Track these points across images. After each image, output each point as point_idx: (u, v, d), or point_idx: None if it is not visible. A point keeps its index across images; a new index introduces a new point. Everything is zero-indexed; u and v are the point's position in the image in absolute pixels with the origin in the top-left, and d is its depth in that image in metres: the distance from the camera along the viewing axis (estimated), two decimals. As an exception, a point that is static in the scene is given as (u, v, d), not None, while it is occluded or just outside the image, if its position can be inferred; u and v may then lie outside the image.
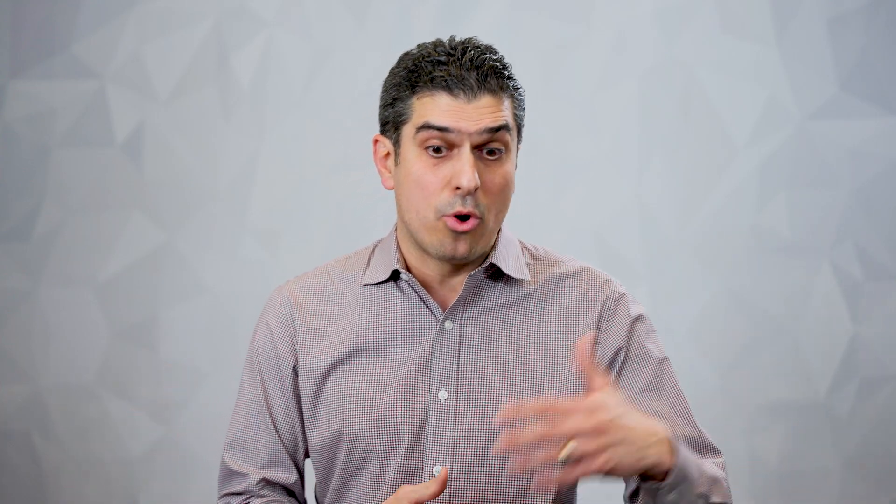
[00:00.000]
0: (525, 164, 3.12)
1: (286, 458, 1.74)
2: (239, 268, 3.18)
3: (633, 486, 1.67)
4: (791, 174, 3.12)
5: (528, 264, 1.73)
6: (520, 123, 1.67)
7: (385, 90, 1.67)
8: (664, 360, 1.72)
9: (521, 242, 1.77)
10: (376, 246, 1.77)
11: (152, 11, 3.18)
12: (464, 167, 1.59)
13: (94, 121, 3.18)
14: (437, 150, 1.61)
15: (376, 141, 1.70)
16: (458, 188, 1.60)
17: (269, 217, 3.18)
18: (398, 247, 1.71)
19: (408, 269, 1.70)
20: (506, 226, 1.74)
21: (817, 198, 3.11)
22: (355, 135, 3.11)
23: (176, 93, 3.18)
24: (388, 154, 1.68)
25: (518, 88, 1.66)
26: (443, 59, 1.62)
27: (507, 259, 1.70)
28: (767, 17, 3.11)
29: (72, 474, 3.19)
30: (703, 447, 1.68)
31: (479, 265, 1.69)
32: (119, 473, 3.19)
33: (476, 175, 1.59)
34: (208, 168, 3.18)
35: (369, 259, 1.75)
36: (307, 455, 1.76)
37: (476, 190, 1.60)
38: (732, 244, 3.12)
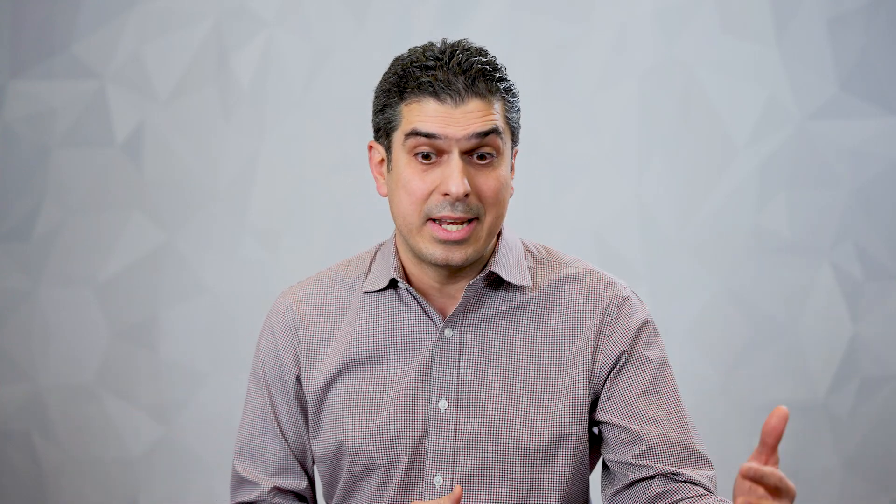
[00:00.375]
0: (525, 164, 3.13)
1: (296, 464, 1.74)
2: (239, 268, 3.18)
3: (621, 483, 1.67)
4: (791, 174, 3.12)
5: (530, 268, 1.71)
6: (513, 126, 1.65)
7: (376, 96, 1.66)
8: (664, 365, 1.69)
9: (523, 244, 1.74)
10: (378, 250, 1.75)
11: (152, 11, 3.18)
12: (452, 173, 1.58)
13: (94, 121, 3.18)
14: (426, 156, 1.60)
15: (371, 147, 1.69)
16: (446, 194, 1.58)
17: (269, 217, 3.18)
18: (397, 254, 1.70)
19: (406, 276, 1.69)
20: (507, 227, 1.72)
21: (817, 198, 3.11)
22: (355, 135, 3.11)
23: (176, 93, 3.18)
24: (382, 160, 1.67)
25: (510, 90, 1.64)
26: (430, 63, 1.60)
27: (508, 265, 1.68)
28: (767, 17, 3.11)
29: (72, 474, 3.19)
30: (695, 459, 1.65)
31: (479, 273, 1.67)
32: (119, 473, 3.19)
33: (465, 181, 1.58)
34: (208, 168, 3.18)
35: (371, 264, 1.74)
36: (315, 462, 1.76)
37: (467, 196, 1.58)
38: (732, 244, 3.12)
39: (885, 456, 3.12)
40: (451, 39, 1.65)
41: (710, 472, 1.65)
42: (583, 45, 3.14)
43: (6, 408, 3.20)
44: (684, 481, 1.63)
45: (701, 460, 1.65)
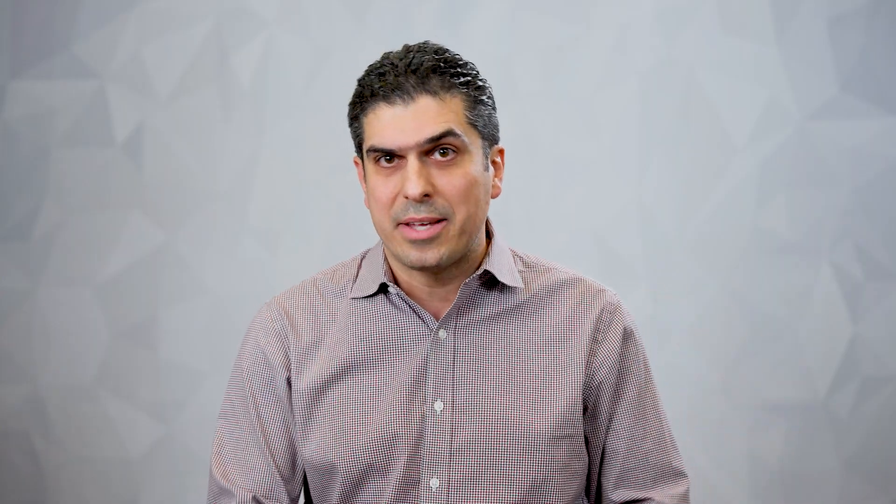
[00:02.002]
0: (525, 164, 3.13)
1: (278, 481, 1.69)
2: (239, 268, 3.18)
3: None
4: (791, 174, 3.11)
5: (520, 272, 1.71)
6: (477, 124, 1.62)
7: (348, 111, 1.66)
8: (649, 381, 1.73)
9: (511, 250, 1.74)
10: (363, 257, 1.74)
11: (152, 11, 3.18)
12: (409, 176, 1.58)
13: (94, 121, 3.18)
14: (388, 159, 1.60)
15: (356, 163, 1.69)
16: (407, 197, 1.58)
17: (269, 217, 3.18)
18: (385, 259, 1.69)
19: (395, 281, 1.68)
20: (499, 233, 1.72)
21: (817, 198, 3.11)
22: (355, 135, 3.11)
23: (176, 93, 3.18)
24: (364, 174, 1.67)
25: (472, 84, 1.62)
26: (384, 69, 1.60)
27: (501, 267, 1.68)
28: (767, 17, 3.11)
29: (72, 474, 3.19)
30: (670, 475, 1.73)
31: (473, 273, 1.67)
32: (119, 473, 3.19)
33: (422, 182, 1.57)
34: (208, 168, 3.18)
35: (357, 271, 1.72)
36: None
37: (428, 196, 1.58)
38: (732, 244, 3.12)
39: (885, 456, 3.12)
40: (416, 42, 1.64)
41: (682, 489, 1.73)
42: (583, 45, 3.14)
43: (6, 408, 3.20)
44: None
45: (675, 475, 1.73)
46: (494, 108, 1.65)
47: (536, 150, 3.13)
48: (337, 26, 3.17)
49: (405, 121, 1.58)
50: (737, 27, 3.12)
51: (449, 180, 1.59)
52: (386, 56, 1.62)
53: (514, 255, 1.74)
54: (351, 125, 1.65)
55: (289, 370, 1.69)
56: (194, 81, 3.18)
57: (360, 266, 1.73)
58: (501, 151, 1.68)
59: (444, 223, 1.60)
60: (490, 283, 1.68)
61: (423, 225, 1.59)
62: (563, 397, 1.66)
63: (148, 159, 3.19)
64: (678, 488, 1.73)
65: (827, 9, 3.10)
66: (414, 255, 1.60)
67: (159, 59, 3.18)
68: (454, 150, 1.59)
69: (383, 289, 1.68)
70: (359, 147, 1.65)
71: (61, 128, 3.19)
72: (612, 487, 1.73)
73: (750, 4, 3.12)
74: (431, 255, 1.60)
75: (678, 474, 1.73)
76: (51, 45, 3.18)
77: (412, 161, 1.58)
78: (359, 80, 1.63)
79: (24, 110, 3.19)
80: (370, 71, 1.62)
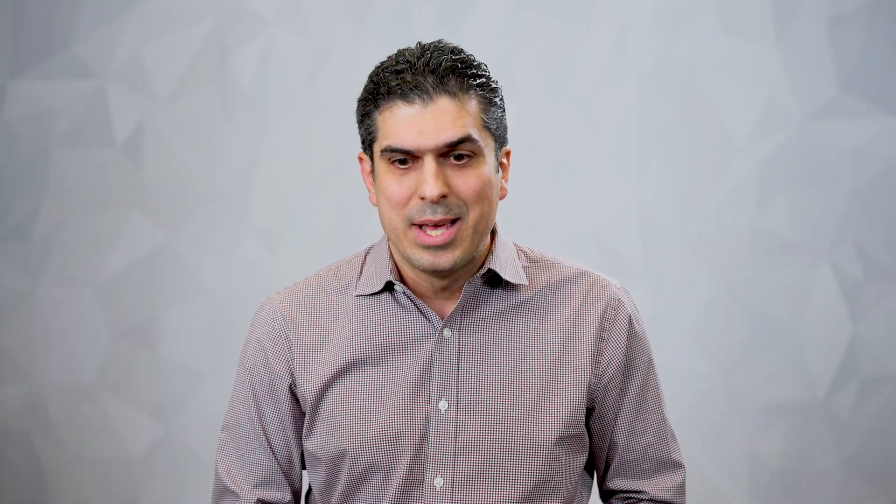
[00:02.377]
0: (525, 164, 3.13)
1: (280, 477, 1.71)
2: (239, 268, 3.18)
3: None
4: (791, 174, 3.12)
5: (524, 267, 1.70)
6: (491, 126, 1.61)
7: (357, 106, 1.64)
8: (651, 373, 1.73)
9: (515, 245, 1.73)
10: (367, 253, 1.73)
11: (152, 11, 3.18)
12: (426, 178, 1.57)
13: (94, 121, 3.19)
14: (402, 161, 1.59)
15: (360, 158, 1.68)
16: (423, 198, 1.57)
17: (269, 217, 3.18)
18: (391, 257, 1.68)
19: (401, 279, 1.67)
20: (502, 229, 1.71)
21: (817, 198, 3.11)
22: (355, 135, 3.11)
23: (176, 93, 3.18)
24: (371, 170, 1.65)
25: (487, 86, 1.61)
26: (401, 67, 1.58)
27: (505, 264, 1.68)
28: (767, 17, 3.11)
29: (72, 474, 3.19)
30: (669, 466, 1.74)
31: (477, 272, 1.66)
32: (119, 473, 3.19)
33: (439, 183, 1.56)
34: (208, 168, 3.18)
35: (362, 268, 1.71)
36: (304, 467, 1.74)
37: (444, 197, 1.57)
38: (732, 244, 3.13)
39: (885, 456, 3.12)
40: (429, 41, 1.63)
41: (678, 480, 1.74)
42: (583, 45, 3.14)
43: (6, 408, 3.20)
44: (647, 500, 1.73)
45: (673, 466, 1.75)
46: (504, 110, 1.65)
47: (536, 150, 3.13)
48: (337, 26, 3.18)
49: (424, 122, 1.57)
50: (737, 27, 3.12)
51: (464, 181, 1.59)
52: (401, 53, 1.60)
53: (518, 249, 1.73)
54: (361, 122, 1.63)
55: (291, 376, 1.69)
56: (194, 81, 3.18)
57: (364, 262, 1.72)
58: (508, 153, 1.68)
59: (458, 224, 1.59)
60: (494, 280, 1.68)
61: (436, 228, 1.59)
62: (568, 397, 1.66)
63: (148, 159, 3.19)
64: (675, 479, 1.74)
65: (827, 9, 3.10)
66: (426, 259, 1.60)
67: (159, 59, 3.18)
68: (469, 155, 1.59)
69: (389, 287, 1.67)
70: (369, 144, 1.64)
71: (61, 128, 3.19)
72: (609, 476, 1.75)
73: (750, 4, 3.12)
74: (446, 260, 1.60)
75: (676, 465, 1.74)
76: (51, 45, 3.18)
77: (429, 163, 1.57)
78: (371, 77, 1.62)
79: (24, 110, 3.19)
80: (385, 67, 1.60)
